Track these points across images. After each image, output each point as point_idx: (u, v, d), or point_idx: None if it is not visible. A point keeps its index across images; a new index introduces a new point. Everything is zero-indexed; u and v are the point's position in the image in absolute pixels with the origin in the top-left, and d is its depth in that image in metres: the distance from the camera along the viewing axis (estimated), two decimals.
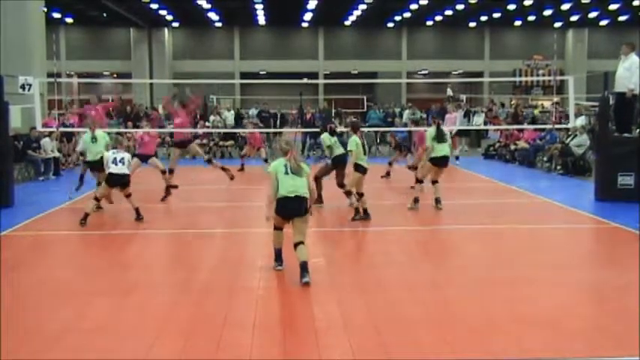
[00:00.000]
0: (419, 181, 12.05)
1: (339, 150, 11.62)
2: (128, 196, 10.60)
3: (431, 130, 11.81)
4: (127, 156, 10.62)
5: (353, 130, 10.94)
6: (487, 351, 5.04)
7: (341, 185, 11.51)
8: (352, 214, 10.57)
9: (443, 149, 11.62)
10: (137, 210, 10.53)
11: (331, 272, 7.47)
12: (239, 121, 26.14)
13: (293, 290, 6.77)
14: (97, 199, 10.53)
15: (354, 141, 10.52)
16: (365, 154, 10.63)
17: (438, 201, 11.54)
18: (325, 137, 11.87)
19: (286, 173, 7.12)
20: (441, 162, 11.65)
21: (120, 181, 10.46)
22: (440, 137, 11.59)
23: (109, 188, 10.59)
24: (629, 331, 5.36)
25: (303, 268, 6.88)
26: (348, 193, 10.79)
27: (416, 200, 11.59)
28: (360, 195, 10.63)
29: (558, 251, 8.75)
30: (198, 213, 11.87)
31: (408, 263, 8.05)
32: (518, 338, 5.30)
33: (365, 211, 10.51)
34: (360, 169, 10.52)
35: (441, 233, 10.17)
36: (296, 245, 7.04)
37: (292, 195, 7.06)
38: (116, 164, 10.37)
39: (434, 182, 11.72)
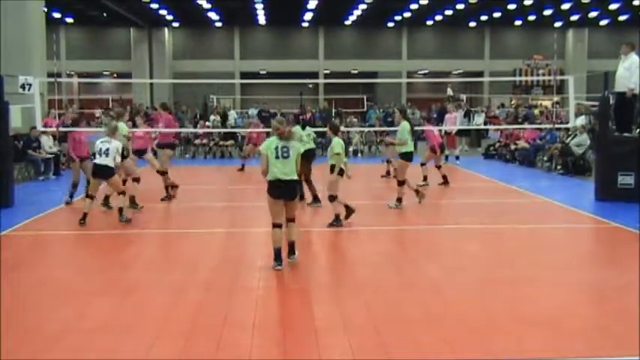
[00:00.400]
0: (400, 183, 11.59)
1: (309, 144, 11.59)
2: (120, 193, 10.41)
3: (406, 125, 11.58)
4: (113, 146, 10.10)
5: (333, 132, 10.49)
6: (487, 351, 5.04)
7: (307, 180, 11.48)
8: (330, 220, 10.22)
9: (412, 145, 11.66)
10: (120, 210, 10.35)
11: (331, 272, 7.47)
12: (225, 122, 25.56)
13: (293, 290, 6.78)
14: (89, 196, 10.38)
15: (339, 143, 10.16)
16: (346, 155, 10.39)
17: (399, 201, 11.42)
18: (296, 130, 11.57)
19: (277, 157, 7.45)
20: (411, 157, 11.61)
21: (102, 173, 10.14)
22: (412, 133, 11.68)
23: (94, 180, 10.32)
24: (629, 331, 5.36)
25: (291, 247, 7.58)
26: (332, 198, 10.18)
27: (399, 200, 11.45)
28: (334, 197, 10.22)
29: (558, 251, 8.75)
30: (198, 213, 11.87)
31: (407, 263, 8.06)
32: (518, 338, 5.30)
33: (348, 208, 10.26)
34: (341, 172, 10.18)
35: (440, 233, 10.17)
36: (287, 222, 7.62)
37: (282, 179, 7.44)
38: (100, 155, 10.09)
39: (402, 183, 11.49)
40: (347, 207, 10.24)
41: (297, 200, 7.74)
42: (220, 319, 5.75)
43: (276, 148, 7.46)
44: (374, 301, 6.30)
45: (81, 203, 11.68)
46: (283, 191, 7.49)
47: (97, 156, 10.14)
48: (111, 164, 10.13)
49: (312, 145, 11.77)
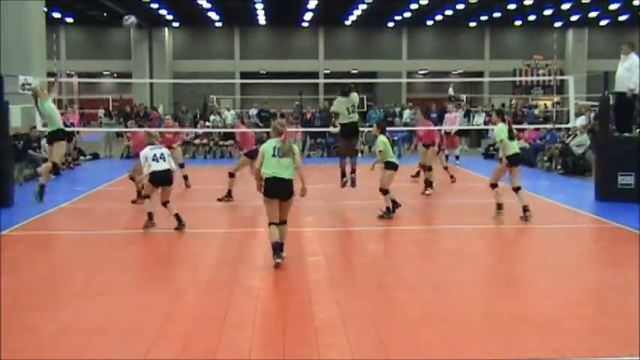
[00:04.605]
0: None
1: (353, 116, 11.49)
2: (165, 203, 9.79)
3: (502, 127, 10.71)
4: (165, 151, 9.86)
5: (380, 131, 10.94)
6: (487, 351, 5.03)
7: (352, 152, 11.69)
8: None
9: (515, 146, 10.79)
10: (177, 216, 9.72)
11: (331, 272, 7.47)
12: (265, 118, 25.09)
13: (293, 290, 6.77)
14: (147, 196, 9.95)
15: (382, 141, 10.69)
16: (393, 152, 10.97)
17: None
18: (337, 100, 11.61)
19: (273, 155, 7.53)
20: (515, 160, 10.74)
21: (163, 179, 9.63)
22: (512, 134, 10.81)
23: (153, 188, 9.73)
24: (629, 332, 5.36)
25: (280, 247, 7.53)
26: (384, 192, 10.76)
27: (499, 207, 10.76)
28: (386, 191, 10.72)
29: (558, 251, 8.74)
30: (199, 212, 11.86)
31: (407, 263, 8.06)
32: (518, 338, 5.30)
33: (394, 203, 10.76)
34: (391, 166, 10.68)
35: (440, 233, 10.17)
36: (279, 224, 7.58)
37: (278, 177, 7.48)
38: (157, 161, 9.57)
39: (516, 190, 10.61)
40: (394, 201, 10.76)
41: (291, 200, 7.70)
42: (220, 319, 5.75)
43: (274, 148, 7.54)
44: (374, 301, 6.30)
45: (81, 204, 11.67)
46: (278, 190, 7.53)
47: (154, 162, 9.59)
48: (170, 167, 9.74)
49: (354, 118, 11.46)
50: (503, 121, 10.76)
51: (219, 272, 7.54)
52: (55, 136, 11.74)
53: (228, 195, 12.62)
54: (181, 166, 14.40)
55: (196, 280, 7.22)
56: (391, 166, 10.70)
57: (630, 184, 12.06)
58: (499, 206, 10.66)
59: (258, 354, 5.02)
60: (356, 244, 9.60)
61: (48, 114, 11.69)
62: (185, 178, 14.42)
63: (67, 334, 5.44)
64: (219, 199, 12.56)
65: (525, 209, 10.34)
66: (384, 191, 10.66)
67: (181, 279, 7.22)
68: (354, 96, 11.51)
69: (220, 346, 5.13)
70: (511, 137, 10.60)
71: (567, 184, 15.10)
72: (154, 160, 9.56)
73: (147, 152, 9.66)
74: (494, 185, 10.81)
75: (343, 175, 11.78)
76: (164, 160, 9.61)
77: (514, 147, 10.65)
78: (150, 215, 9.74)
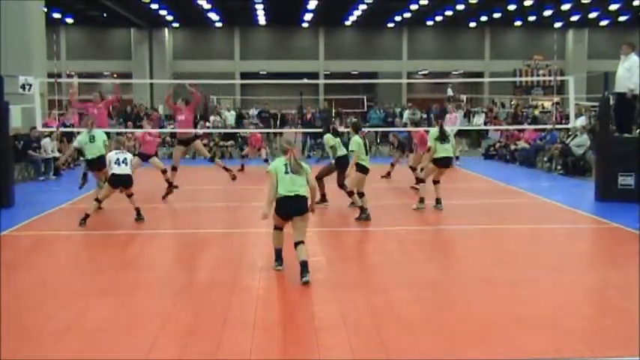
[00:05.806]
0: (420, 181, 12.00)
1: (341, 151, 11.62)
2: (130, 195, 10.59)
3: (434, 131, 11.74)
4: (129, 156, 10.65)
5: (354, 131, 10.97)
6: (487, 351, 5.03)
7: (341, 186, 11.51)
8: (356, 214, 10.61)
9: (446, 150, 11.47)
10: (138, 210, 10.54)
11: (332, 272, 7.46)
12: (240, 121, 26.17)
13: (293, 290, 6.77)
14: (98, 200, 10.48)
15: (356, 141, 10.55)
16: (367, 154, 10.64)
17: (438, 201, 11.51)
18: (328, 138, 11.88)
19: (286, 173, 7.14)
20: (443, 162, 11.53)
21: (123, 182, 10.43)
22: (443, 138, 11.45)
23: (112, 189, 10.51)
24: (629, 331, 5.35)
25: (304, 267, 6.91)
26: (351, 194, 10.80)
27: (421, 200, 11.54)
28: (361, 195, 10.61)
29: (558, 251, 8.75)
30: (199, 213, 11.87)
31: (408, 263, 8.05)
32: (518, 338, 5.29)
33: (363, 210, 10.51)
34: (362, 169, 10.54)
35: (441, 233, 10.17)
36: (296, 245, 7.08)
37: (292, 194, 7.09)
38: (119, 165, 10.35)
39: (435, 182, 11.66)
40: (363, 209, 10.57)
41: (307, 216, 7.27)
42: (220, 319, 5.75)
43: (286, 165, 7.19)
44: (374, 301, 6.30)
45: (82, 203, 11.69)
46: (292, 208, 7.15)
47: (115, 166, 10.35)
48: (130, 172, 10.56)
49: (344, 152, 11.62)
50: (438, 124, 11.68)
51: (219, 272, 7.53)
52: (102, 164, 11.30)
53: (170, 186, 12.99)
54: (163, 172, 13.99)
55: (196, 280, 7.22)
56: (362, 169, 10.60)
57: (630, 185, 12.07)
58: (421, 200, 11.49)
59: (258, 354, 5.02)
60: (356, 244, 9.60)
61: (99, 141, 11.48)
62: (167, 182, 13.70)
63: (68, 334, 5.44)
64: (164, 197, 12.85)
65: (438, 201, 11.46)
66: (359, 193, 10.57)
67: (181, 279, 7.22)
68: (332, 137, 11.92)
69: (221, 347, 5.13)
70: (442, 140, 11.33)
71: (567, 185, 15.10)
72: (116, 163, 10.36)
73: (111, 156, 10.54)
74: (421, 180, 11.72)
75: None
76: (126, 165, 10.41)
77: (444, 150, 11.38)
78: (97, 200, 10.49)
